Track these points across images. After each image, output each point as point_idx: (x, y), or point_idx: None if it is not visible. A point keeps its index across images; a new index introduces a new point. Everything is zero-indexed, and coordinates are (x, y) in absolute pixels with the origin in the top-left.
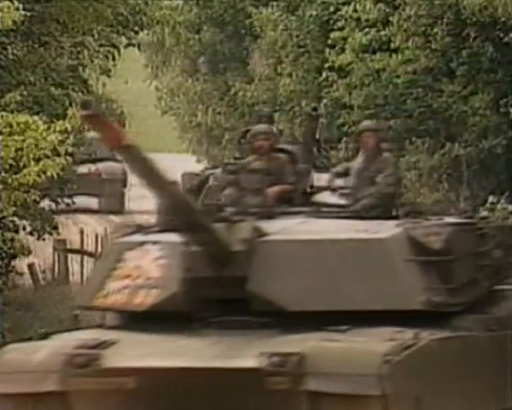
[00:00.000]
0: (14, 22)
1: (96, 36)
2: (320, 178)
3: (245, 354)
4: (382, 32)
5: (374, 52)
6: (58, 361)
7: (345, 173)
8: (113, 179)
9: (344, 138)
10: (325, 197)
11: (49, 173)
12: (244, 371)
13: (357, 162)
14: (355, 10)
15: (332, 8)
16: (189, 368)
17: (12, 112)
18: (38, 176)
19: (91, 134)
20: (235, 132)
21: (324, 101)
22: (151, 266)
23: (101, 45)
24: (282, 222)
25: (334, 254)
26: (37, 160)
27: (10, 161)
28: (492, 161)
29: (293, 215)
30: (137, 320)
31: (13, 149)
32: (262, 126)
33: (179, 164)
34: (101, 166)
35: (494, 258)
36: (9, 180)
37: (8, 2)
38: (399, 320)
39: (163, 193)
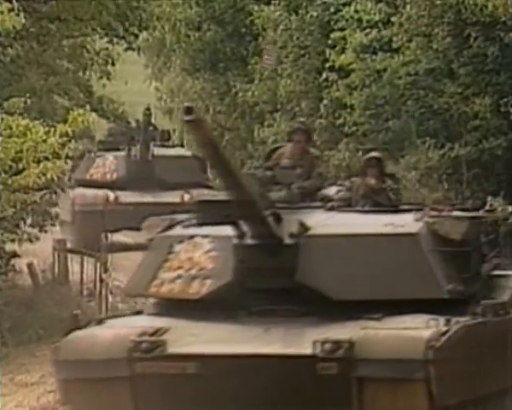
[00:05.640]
0: (14, 27)
1: (97, 36)
2: None
3: (298, 341)
4: (383, 32)
5: (375, 52)
6: (124, 348)
7: None
8: None
9: (344, 139)
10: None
11: (48, 175)
12: (299, 357)
13: None
14: (356, 11)
15: (332, 9)
16: (248, 354)
17: (12, 115)
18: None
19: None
20: (236, 132)
21: (324, 101)
22: (203, 258)
23: (97, 53)
24: (314, 216)
25: (370, 247)
26: (37, 162)
27: (10, 163)
28: (493, 162)
29: (311, 209)
30: (187, 308)
31: (12, 151)
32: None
33: None
34: (195, 193)
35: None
36: (9, 181)
37: (8, 4)
38: (427, 308)
39: (234, 184)
